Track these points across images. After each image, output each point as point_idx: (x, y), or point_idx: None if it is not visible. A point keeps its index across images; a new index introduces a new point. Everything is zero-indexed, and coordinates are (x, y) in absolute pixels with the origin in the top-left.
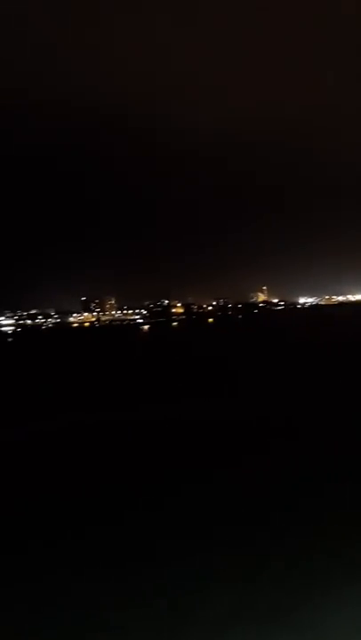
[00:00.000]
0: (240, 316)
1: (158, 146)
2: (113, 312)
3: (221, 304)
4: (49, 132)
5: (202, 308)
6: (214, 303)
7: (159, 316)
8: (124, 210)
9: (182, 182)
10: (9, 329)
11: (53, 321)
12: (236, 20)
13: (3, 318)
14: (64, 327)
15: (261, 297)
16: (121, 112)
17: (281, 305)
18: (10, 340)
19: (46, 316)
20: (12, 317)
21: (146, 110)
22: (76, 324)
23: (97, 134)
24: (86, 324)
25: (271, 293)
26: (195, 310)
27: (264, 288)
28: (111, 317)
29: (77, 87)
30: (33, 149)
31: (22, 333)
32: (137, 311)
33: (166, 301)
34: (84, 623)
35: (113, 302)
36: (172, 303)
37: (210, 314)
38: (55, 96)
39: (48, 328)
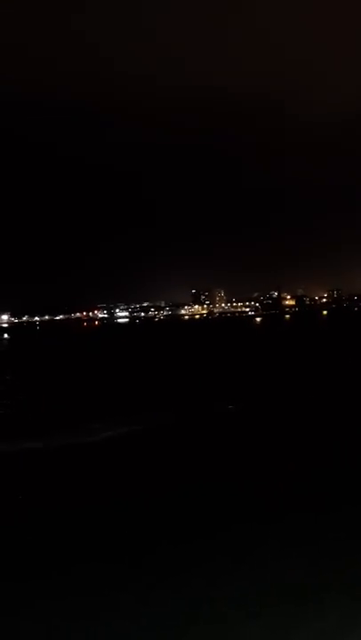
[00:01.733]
0: (356, 309)
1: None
2: (222, 304)
3: (335, 296)
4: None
5: (313, 300)
6: (326, 295)
7: (271, 309)
8: (230, 202)
9: (291, 172)
10: (125, 320)
11: (165, 313)
12: None
13: (118, 310)
14: (176, 319)
15: None
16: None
17: None
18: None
19: (158, 309)
20: (125, 309)
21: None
22: (187, 317)
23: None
24: (197, 317)
25: None
26: (307, 302)
27: None
28: (221, 309)
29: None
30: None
31: (142, 324)
32: (247, 303)
33: (276, 293)
34: None
35: (222, 294)
36: (283, 295)
37: (323, 306)
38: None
39: (160, 320)
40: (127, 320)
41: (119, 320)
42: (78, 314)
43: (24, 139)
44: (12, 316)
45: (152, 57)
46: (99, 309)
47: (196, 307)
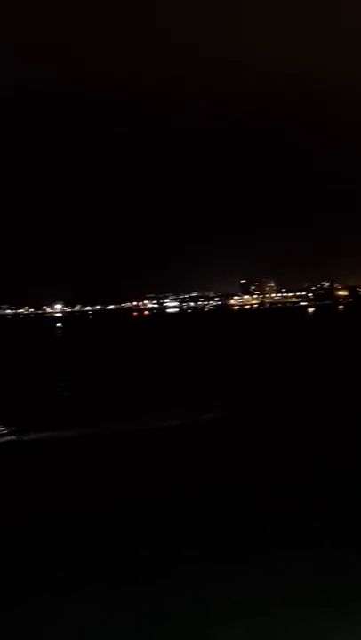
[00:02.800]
0: None
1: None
2: (272, 294)
3: None
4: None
5: None
6: None
7: (323, 299)
8: (280, 192)
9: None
10: (174, 310)
11: (214, 303)
12: None
13: (167, 300)
14: (225, 309)
15: None
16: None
17: None
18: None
19: (207, 299)
20: (175, 299)
21: None
22: (236, 307)
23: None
24: (247, 307)
25: None
26: (360, 293)
27: None
28: (271, 300)
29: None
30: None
31: (192, 315)
32: (297, 294)
33: (327, 283)
34: None
35: (272, 285)
36: (335, 285)
37: None
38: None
39: (210, 310)
40: (177, 310)
41: (169, 310)
42: (128, 303)
43: (92, 130)
44: (64, 305)
45: (222, 43)
46: (148, 299)
47: (246, 297)
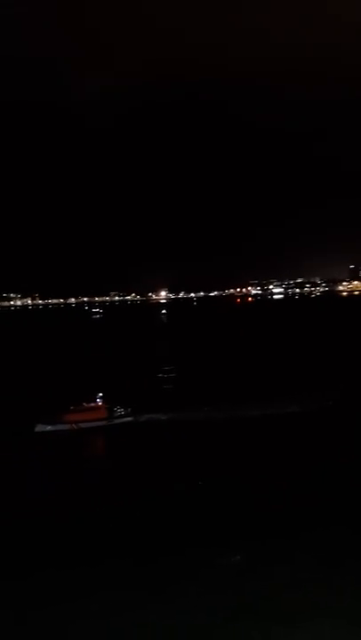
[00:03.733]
0: None
1: None
2: None
3: None
4: None
5: None
6: None
7: None
8: None
9: None
10: (280, 296)
11: (321, 289)
12: None
13: (272, 287)
14: (333, 295)
15: None
16: None
17: None
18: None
19: (314, 285)
20: (279, 285)
21: None
22: (345, 293)
23: None
24: (356, 293)
25: None
26: None
27: None
28: None
29: None
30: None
31: (299, 301)
32: None
33: None
34: None
35: None
36: None
37: None
38: None
39: (317, 296)
40: (282, 296)
41: (275, 296)
42: (232, 290)
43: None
44: (169, 292)
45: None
46: (252, 286)
47: (356, 282)
